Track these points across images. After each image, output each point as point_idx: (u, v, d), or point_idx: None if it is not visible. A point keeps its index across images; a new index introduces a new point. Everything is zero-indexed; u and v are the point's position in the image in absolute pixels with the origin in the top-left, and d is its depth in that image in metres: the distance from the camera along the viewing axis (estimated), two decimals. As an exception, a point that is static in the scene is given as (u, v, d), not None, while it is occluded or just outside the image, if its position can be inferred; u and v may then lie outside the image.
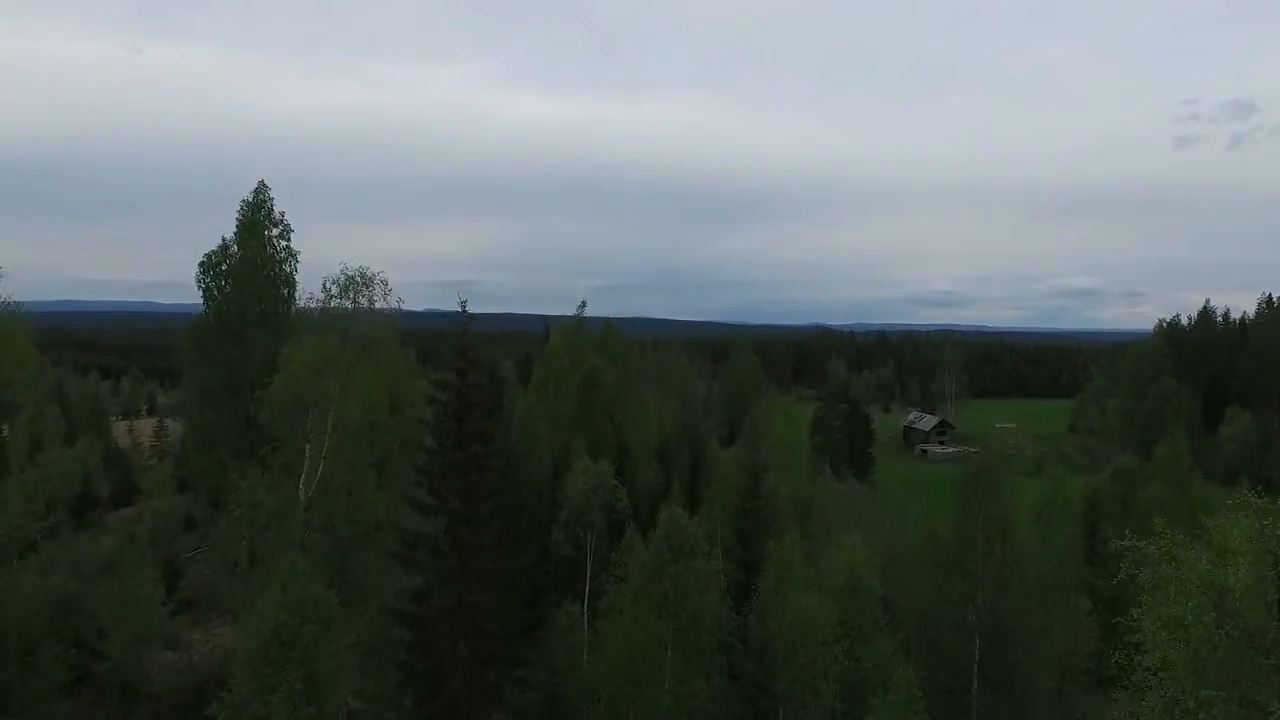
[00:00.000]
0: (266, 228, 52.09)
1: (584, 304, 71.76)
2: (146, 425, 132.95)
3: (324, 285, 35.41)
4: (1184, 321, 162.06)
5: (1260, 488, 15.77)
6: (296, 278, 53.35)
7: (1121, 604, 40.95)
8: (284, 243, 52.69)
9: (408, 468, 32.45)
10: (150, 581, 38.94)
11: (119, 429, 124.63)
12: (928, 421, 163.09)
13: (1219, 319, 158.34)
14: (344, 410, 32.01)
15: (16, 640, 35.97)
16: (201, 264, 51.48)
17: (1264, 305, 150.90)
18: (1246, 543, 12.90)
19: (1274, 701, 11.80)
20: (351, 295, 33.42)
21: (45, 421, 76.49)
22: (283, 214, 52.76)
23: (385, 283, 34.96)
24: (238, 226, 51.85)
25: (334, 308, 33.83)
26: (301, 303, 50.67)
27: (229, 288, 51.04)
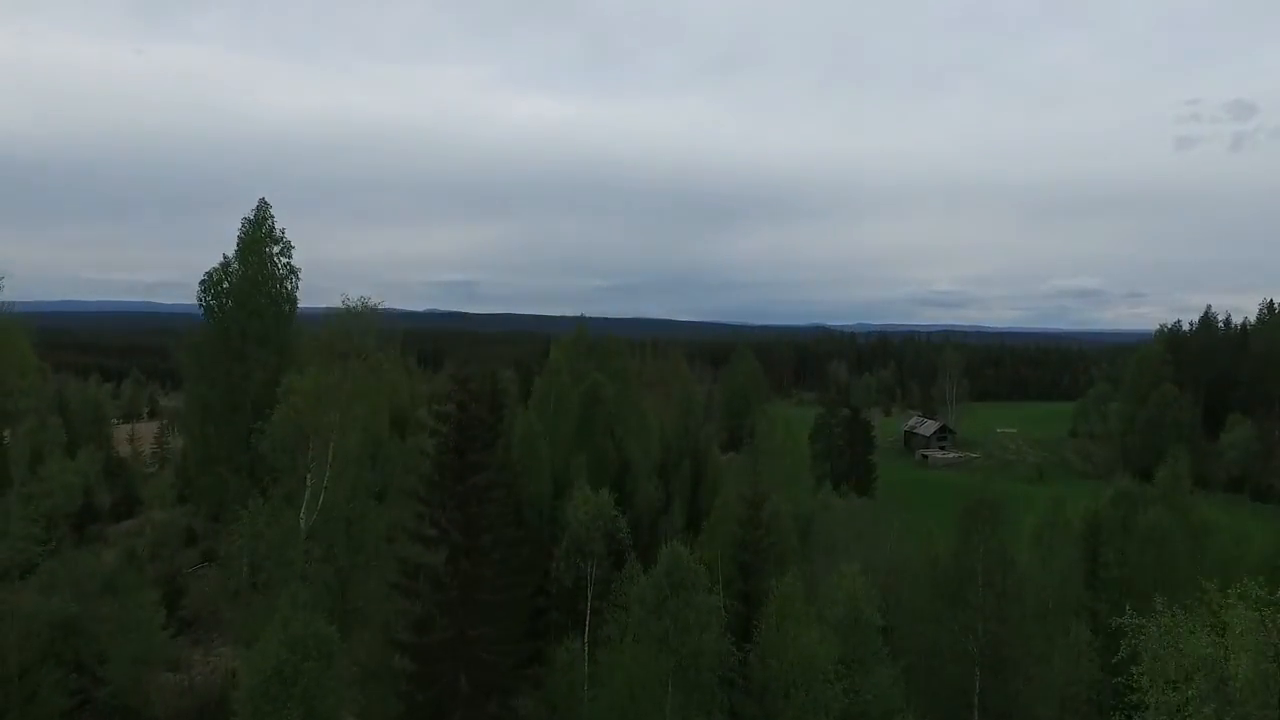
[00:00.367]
0: (267, 245, 52.21)
1: (583, 318, 71.62)
2: (148, 429, 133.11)
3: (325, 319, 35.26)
4: (1185, 327, 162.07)
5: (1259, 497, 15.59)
6: (298, 294, 53.80)
7: (1122, 631, 40.92)
8: (285, 260, 52.84)
9: (407, 495, 32.43)
10: (151, 605, 38.89)
11: (120, 433, 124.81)
12: (929, 427, 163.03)
13: (1220, 324, 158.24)
14: (344, 443, 31.96)
15: (16, 664, 36.00)
16: (202, 282, 51.60)
17: (1265, 311, 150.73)
18: (1248, 634, 12.86)
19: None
20: (353, 328, 33.28)
21: (47, 432, 76.50)
22: (283, 231, 52.94)
23: (384, 310, 34.94)
24: (239, 244, 51.93)
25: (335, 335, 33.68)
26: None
27: (230, 305, 51.18)
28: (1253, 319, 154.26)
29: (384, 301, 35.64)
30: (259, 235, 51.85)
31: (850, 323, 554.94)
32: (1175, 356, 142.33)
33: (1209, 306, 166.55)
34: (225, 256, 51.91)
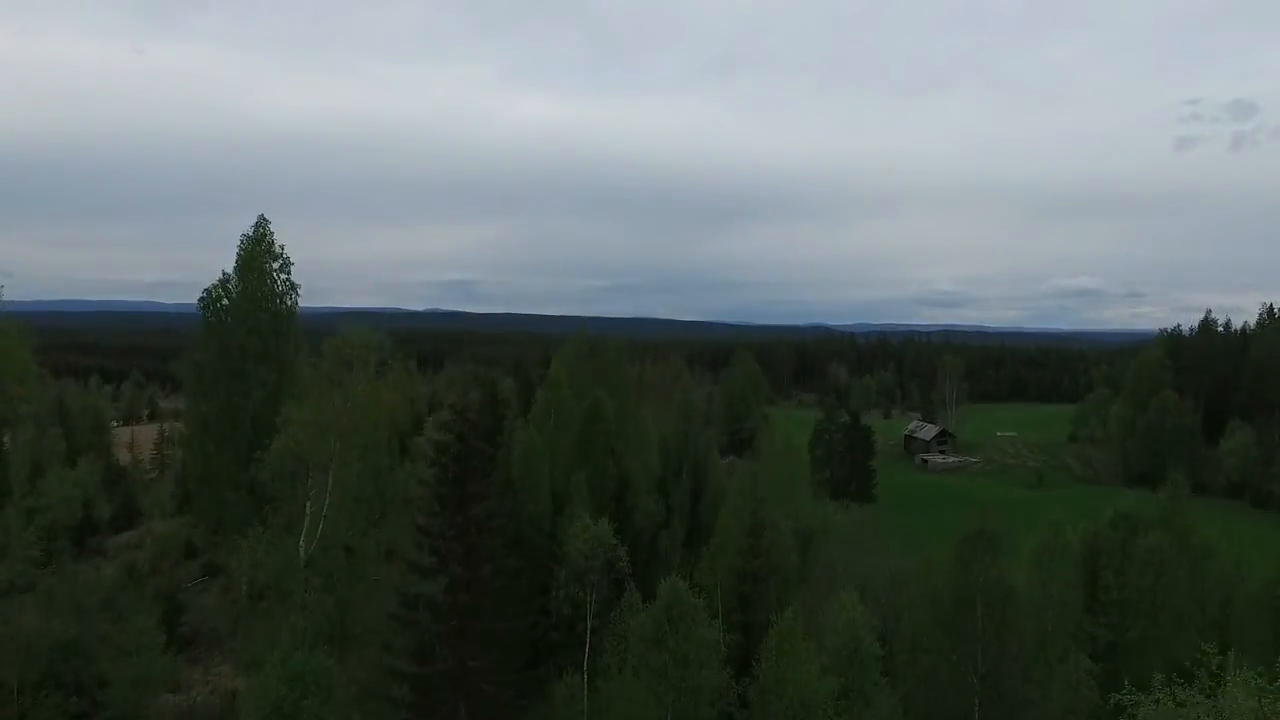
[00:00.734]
0: (266, 261, 51.98)
1: (583, 321, 71.55)
2: (147, 433, 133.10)
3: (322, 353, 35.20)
4: (1185, 331, 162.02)
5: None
6: (298, 310, 53.63)
7: (1121, 652, 40.88)
8: (284, 276, 52.49)
9: (407, 522, 32.44)
10: (151, 630, 38.85)
11: (120, 435, 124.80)
12: (928, 431, 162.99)
13: (1220, 328, 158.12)
14: (344, 472, 31.94)
15: (16, 688, 35.98)
16: (201, 299, 51.45)
17: (1265, 316, 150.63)
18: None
19: None
20: (351, 366, 33.21)
21: (46, 442, 76.51)
22: (282, 248, 52.55)
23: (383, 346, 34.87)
24: (237, 260, 51.64)
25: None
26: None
27: (229, 322, 50.99)
28: (1253, 319, 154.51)
29: (383, 335, 35.24)
30: (258, 251, 51.55)
31: (850, 322, 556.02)
32: (1175, 362, 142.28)
33: (1209, 311, 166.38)
34: (224, 273, 51.65)
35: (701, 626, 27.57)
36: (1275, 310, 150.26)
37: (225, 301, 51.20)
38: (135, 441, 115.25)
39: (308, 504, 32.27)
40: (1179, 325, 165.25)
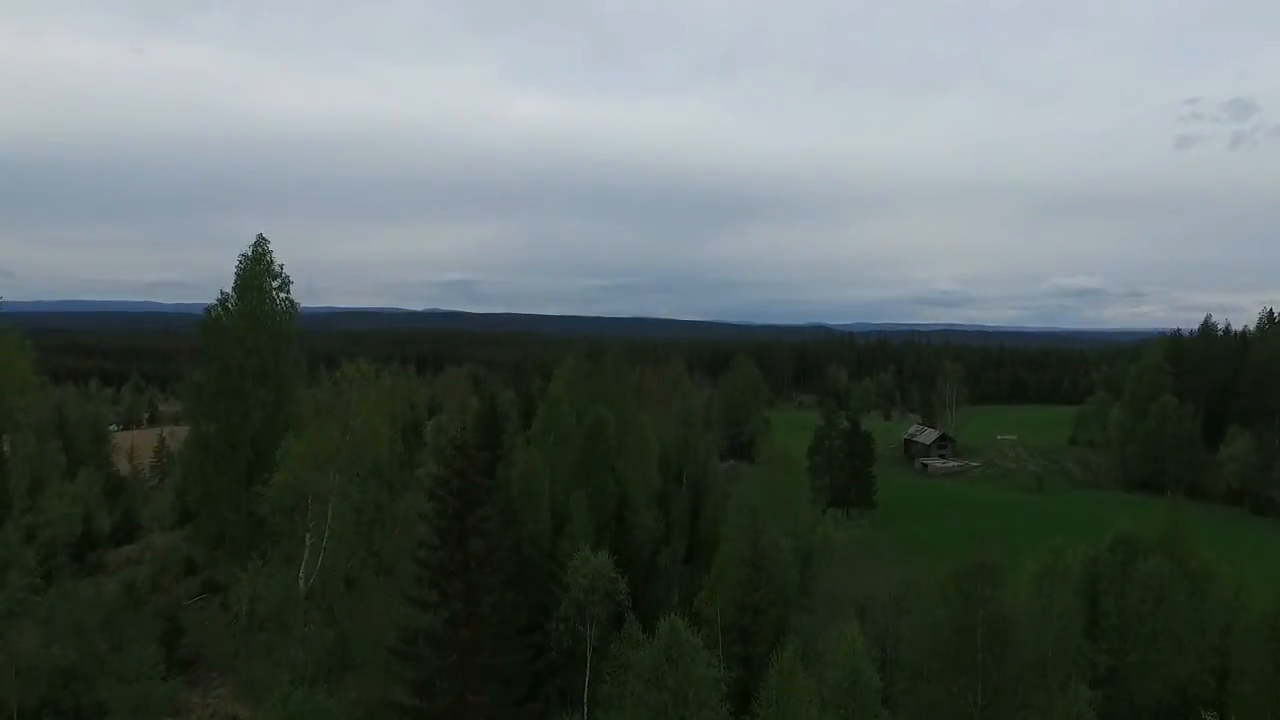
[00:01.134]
0: (265, 281, 51.91)
1: (587, 347, 71.52)
2: (147, 437, 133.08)
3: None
4: (1185, 334, 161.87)
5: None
6: (296, 331, 53.54)
7: (1121, 677, 40.75)
8: (283, 295, 52.46)
9: (406, 557, 32.43)
10: (151, 657, 38.81)
11: (120, 440, 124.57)
12: (928, 435, 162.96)
13: (1220, 332, 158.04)
14: (344, 506, 31.93)
15: (15, 713, 35.98)
16: (201, 319, 51.39)
17: (1265, 320, 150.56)
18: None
19: None
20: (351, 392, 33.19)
21: (47, 455, 76.46)
22: (282, 266, 52.50)
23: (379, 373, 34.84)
24: (236, 280, 51.55)
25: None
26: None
27: (228, 343, 50.90)
28: (1253, 319, 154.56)
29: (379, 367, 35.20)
30: (257, 271, 51.50)
31: (850, 322, 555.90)
32: (1175, 367, 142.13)
33: (1208, 316, 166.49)
34: (223, 292, 51.70)
35: (701, 665, 27.55)
36: (1275, 314, 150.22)
37: (224, 321, 51.16)
38: (135, 449, 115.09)
39: (307, 536, 32.24)
40: (1179, 329, 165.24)
